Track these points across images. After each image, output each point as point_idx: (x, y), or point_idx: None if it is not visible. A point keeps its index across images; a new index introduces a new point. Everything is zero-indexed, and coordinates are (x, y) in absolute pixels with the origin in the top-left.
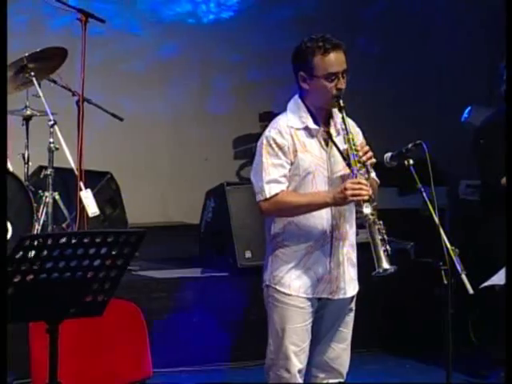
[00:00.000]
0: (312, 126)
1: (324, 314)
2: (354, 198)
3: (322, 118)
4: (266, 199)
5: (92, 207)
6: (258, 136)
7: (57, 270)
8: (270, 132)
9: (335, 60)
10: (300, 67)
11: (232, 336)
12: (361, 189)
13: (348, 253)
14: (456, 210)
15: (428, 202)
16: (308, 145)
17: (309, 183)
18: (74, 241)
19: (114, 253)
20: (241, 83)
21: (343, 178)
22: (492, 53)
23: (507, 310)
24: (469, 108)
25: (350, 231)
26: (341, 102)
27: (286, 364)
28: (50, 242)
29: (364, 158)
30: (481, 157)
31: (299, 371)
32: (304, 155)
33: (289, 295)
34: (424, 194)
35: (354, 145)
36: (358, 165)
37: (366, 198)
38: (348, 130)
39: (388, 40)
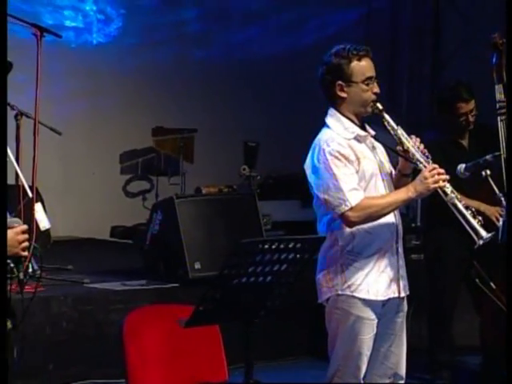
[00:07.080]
0: (361, 133)
1: (384, 315)
2: (437, 185)
3: (360, 125)
4: (353, 208)
5: (43, 221)
6: (146, 150)
7: (255, 274)
8: (330, 146)
9: (369, 65)
10: (336, 77)
11: None
12: (439, 173)
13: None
14: None
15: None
16: (364, 151)
17: (372, 187)
18: (273, 246)
19: (298, 258)
20: (129, 98)
21: (390, 176)
22: None
23: (507, 311)
24: None
25: None
26: (378, 104)
27: (355, 372)
28: (258, 247)
29: (422, 147)
30: None
31: (363, 377)
32: (365, 161)
33: (367, 300)
34: (503, 202)
35: (409, 138)
36: (420, 154)
37: (446, 182)
38: (396, 128)
39: None
